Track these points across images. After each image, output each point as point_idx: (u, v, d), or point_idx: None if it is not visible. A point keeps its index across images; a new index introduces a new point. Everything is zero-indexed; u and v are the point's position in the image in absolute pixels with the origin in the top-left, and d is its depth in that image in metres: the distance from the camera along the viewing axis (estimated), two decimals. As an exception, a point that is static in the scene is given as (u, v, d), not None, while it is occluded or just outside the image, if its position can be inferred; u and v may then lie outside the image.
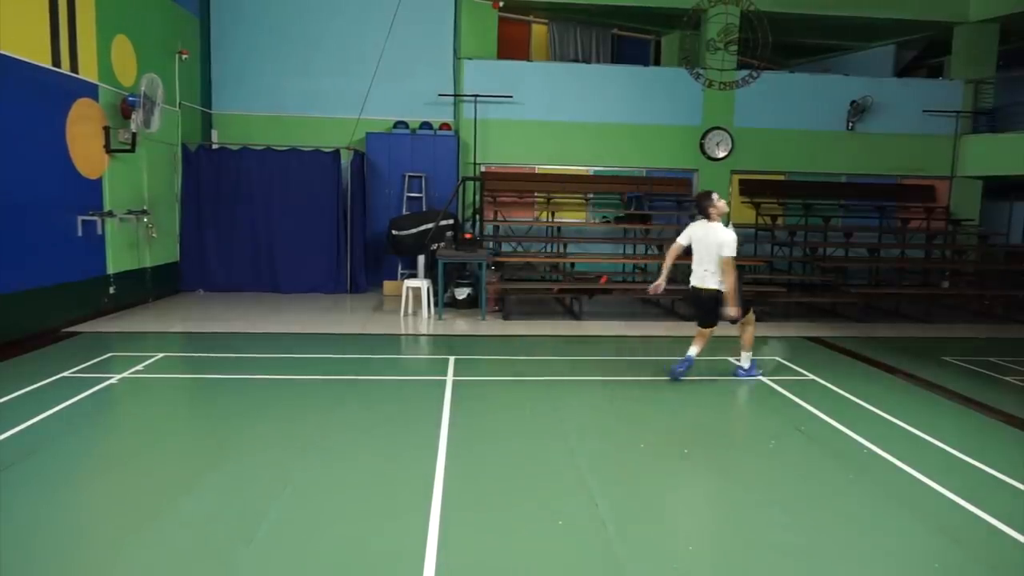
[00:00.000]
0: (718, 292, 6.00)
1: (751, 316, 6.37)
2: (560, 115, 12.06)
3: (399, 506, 3.65)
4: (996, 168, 12.36)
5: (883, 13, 12.36)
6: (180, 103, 10.74)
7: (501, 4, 12.10)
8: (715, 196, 6.13)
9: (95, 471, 4.20)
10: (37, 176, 7.38)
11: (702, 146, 12.36)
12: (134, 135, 8.87)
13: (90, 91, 8.30)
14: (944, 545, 3.38)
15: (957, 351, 7.77)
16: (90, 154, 8.33)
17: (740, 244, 10.52)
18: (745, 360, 6.46)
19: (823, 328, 9.04)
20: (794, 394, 5.87)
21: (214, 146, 11.41)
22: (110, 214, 8.67)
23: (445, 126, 12.00)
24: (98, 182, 8.56)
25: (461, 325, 8.88)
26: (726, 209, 6.18)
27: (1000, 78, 13.01)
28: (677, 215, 12.27)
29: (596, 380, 6.32)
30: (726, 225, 6.11)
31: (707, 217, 6.09)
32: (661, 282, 6.36)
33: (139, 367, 6.27)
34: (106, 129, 8.59)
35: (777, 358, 7.23)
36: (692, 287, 6.22)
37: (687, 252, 6.26)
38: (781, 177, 12.72)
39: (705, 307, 6.19)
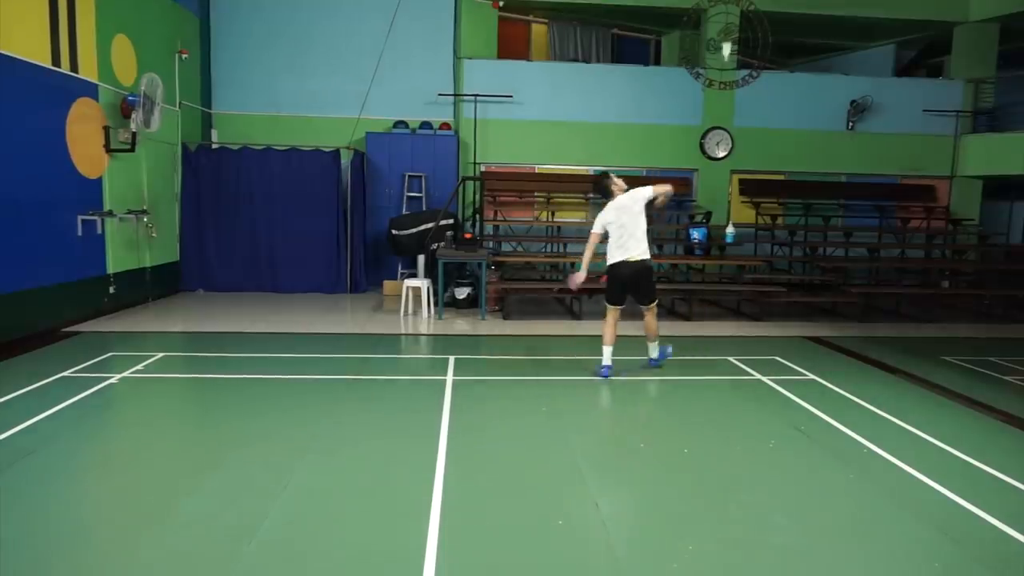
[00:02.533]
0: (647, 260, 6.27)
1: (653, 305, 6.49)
2: (560, 115, 12.05)
3: (399, 505, 3.65)
4: (996, 168, 12.36)
5: (883, 13, 12.36)
6: (180, 103, 10.74)
7: (501, 4, 12.10)
8: (611, 175, 6.42)
9: (95, 471, 4.20)
10: (37, 176, 7.38)
11: (702, 146, 12.36)
12: (134, 135, 8.86)
13: (90, 91, 8.30)
14: (944, 545, 3.38)
15: (957, 351, 7.77)
16: (90, 154, 8.33)
17: (740, 244, 10.68)
18: (655, 349, 6.62)
19: (823, 328, 9.04)
20: (794, 394, 5.87)
21: (214, 146, 11.41)
22: (110, 214, 8.67)
23: (445, 126, 12.00)
24: (98, 182, 8.56)
25: (461, 325, 8.88)
26: (624, 185, 6.36)
27: (1000, 78, 13.01)
28: (677, 215, 12.28)
29: (596, 380, 6.32)
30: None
31: (612, 196, 6.27)
32: (583, 274, 6.33)
33: (139, 367, 6.27)
34: (106, 129, 8.58)
35: (777, 358, 7.23)
36: (630, 260, 6.17)
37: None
38: (781, 177, 12.72)
39: (649, 279, 6.42)
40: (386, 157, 11.68)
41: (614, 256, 6.22)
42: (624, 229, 6.14)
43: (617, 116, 12.14)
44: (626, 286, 6.30)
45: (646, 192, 6.25)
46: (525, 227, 11.70)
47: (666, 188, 6.27)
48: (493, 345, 7.93)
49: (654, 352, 6.63)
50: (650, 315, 6.49)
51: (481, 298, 9.44)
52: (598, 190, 6.52)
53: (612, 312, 6.34)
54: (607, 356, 6.30)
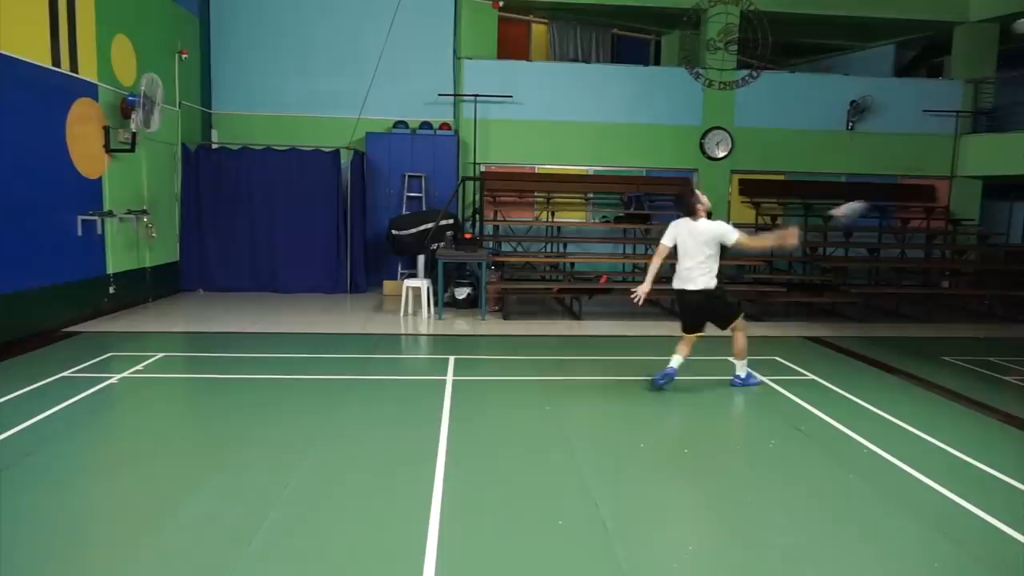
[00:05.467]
0: (705, 291, 5.79)
1: (740, 322, 6.01)
2: (560, 115, 12.05)
3: (399, 506, 3.64)
4: (996, 168, 12.36)
5: (883, 13, 12.36)
6: (180, 103, 10.74)
7: (501, 4, 12.10)
8: (699, 193, 6.02)
9: (95, 471, 4.20)
10: (37, 176, 7.38)
11: (702, 146, 12.36)
12: (134, 135, 8.87)
13: (90, 91, 8.30)
14: (944, 545, 3.38)
15: (957, 351, 7.77)
16: (90, 154, 8.32)
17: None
18: (741, 369, 6.13)
19: (823, 328, 9.04)
20: (794, 394, 5.87)
21: (214, 146, 11.42)
22: (110, 214, 8.67)
23: (445, 126, 12.00)
24: (98, 182, 8.56)
25: (461, 325, 8.88)
26: (709, 205, 6.03)
27: (1000, 78, 13.01)
28: (677, 215, 12.23)
29: (596, 380, 6.32)
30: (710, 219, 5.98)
31: (693, 215, 5.89)
32: (648, 287, 5.93)
33: (139, 367, 6.27)
34: (106, 129, 8.58)
35: (777, 358, 7.23)
36: (677, 289, 5.94)
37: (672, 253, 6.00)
38: (781, 177, 12.72)
39: (691, 309, 5.95)
40: (386, 157, 11.68)
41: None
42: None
43: (617, 116, 12.14)
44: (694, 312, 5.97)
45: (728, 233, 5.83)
46: (525, 227, 11.70)
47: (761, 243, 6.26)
48: (493, 345, 7.93)
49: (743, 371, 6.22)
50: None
51: (481, 298, 9.44)
52: (681, 206, 6.06)
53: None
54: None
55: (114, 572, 3.01)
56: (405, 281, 9.56)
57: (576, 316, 9.51)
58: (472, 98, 11.70)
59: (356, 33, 11.94)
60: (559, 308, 10.29)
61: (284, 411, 5.21)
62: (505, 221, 11.60)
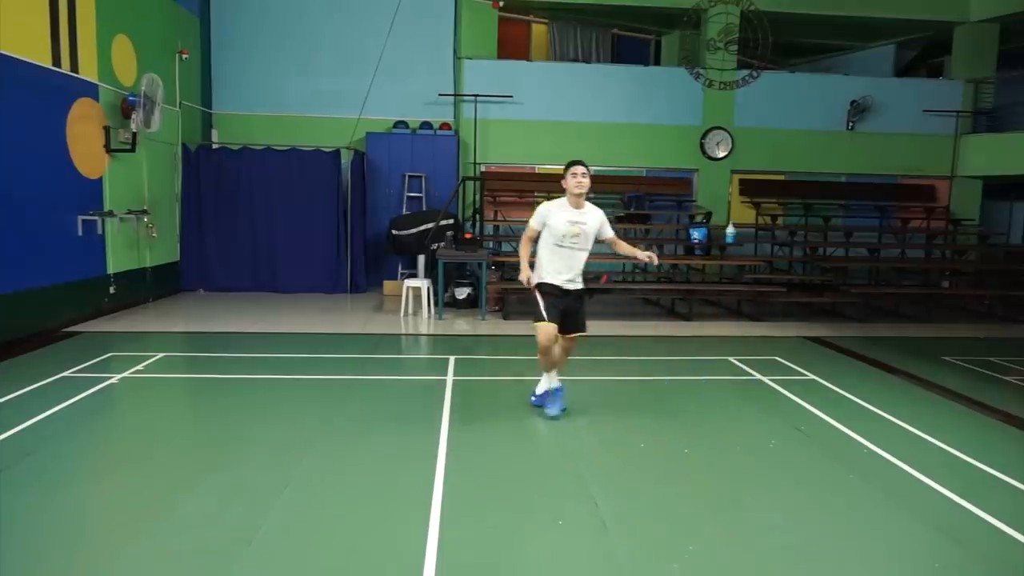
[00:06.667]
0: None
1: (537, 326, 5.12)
2: (560, 115, 12.05)
3: (399, 506, 3.64)
4: (996, 168, 12.37)
5: (883, 13, 12.37)
6: (180, 103, 10.74)
7: (501, 4, 12.10)
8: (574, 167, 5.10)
9: (95, 471, 4.20)
10: (37, 176, 7.38)
11: (702, 146, 12.37)
12: (134, 135, 8.87)
13: (90, 91, 8.30)
14: (944, 545, 3.38)
15: (957, 351, 7.77)
16: (90, 154, 8.32)
17: (740, 244, 10.68)
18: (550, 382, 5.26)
19: (823, 328, 9.04)
20: (794, 394, 5.87)
21: (214, 146, 11.42)
22: (110, 214, 8.67)
23: (445, 126, 12.00)
24: (98, 182, 8.56)
25: (461, 325, 8.88)
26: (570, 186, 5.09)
27: (1000, 78, 13.02)
28: (677, 215, 12.27)
29: (595, 380, 6.32)
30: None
31: (578, 196, 5.17)
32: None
33: (139, 367, 6.27)
34: (106, 129, 8.58)
35: (777, 358, 7.23)
36: (567, 289, 5.36)
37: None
38: (781, 177, 12.73)
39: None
40: (386, 157, 11.67)
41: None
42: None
43: (617, 116, 12.14)
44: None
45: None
46: (525, 227, 11.66)
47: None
48: (493, 345, 7.93)
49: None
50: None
51: (481, 298, 9.44)
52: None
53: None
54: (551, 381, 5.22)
55: (114, 572, 3.00)
56: (405, 281, 9.56)
57: (576, 316, 9.49)
58: (472, 98, 11.70)
59: (356, 33, 11.94)
60: (559, 308, 10.26)
61: (284, 411, 5.21)
62: (505, 221, 11.59)
